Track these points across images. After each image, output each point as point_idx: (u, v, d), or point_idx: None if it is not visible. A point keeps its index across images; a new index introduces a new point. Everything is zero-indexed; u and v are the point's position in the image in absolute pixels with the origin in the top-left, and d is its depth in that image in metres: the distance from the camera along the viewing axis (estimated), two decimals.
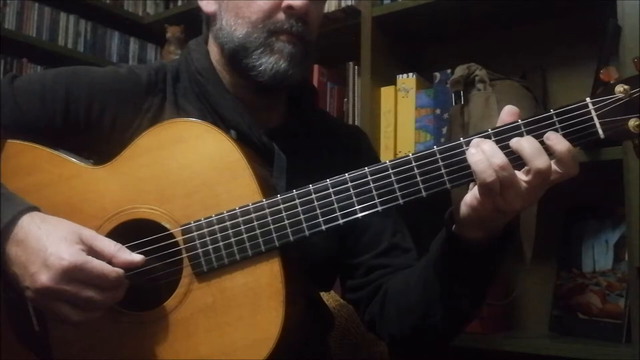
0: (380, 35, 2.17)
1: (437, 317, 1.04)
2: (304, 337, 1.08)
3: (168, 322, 0.97)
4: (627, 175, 1.62)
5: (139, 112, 1.12)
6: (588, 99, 0.89)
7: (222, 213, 0.97)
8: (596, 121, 0.88)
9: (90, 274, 0.89)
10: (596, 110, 0.88)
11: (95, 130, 1.10)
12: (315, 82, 2.24)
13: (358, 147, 1.29)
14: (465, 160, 0.89)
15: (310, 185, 0.95)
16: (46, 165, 1.04)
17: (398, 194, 0.92)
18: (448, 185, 0.91)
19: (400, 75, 2.15)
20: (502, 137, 0.89)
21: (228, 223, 0.97)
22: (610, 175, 1.67)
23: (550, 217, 1.87)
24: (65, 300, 0.90)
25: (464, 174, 0.90)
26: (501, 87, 1.86)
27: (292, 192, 0.96)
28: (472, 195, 0.90)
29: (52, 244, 0.89)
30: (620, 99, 0.87)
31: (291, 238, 0.95)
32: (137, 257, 0.95)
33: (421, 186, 0.91)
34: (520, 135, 0.88)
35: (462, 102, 1.87)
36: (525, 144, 0.86)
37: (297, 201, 0.95)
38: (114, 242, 0.95)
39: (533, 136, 0.88)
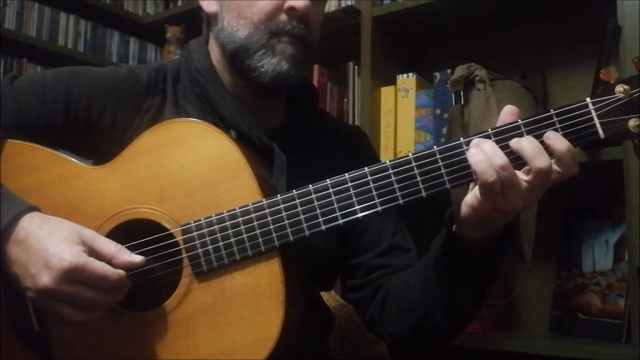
0: (380, 35, 2.17)
1: (438, 317, 1.04)
2: (304, 337, 1.08)
3: (168, 322, 0.97)
4: (627, 175, 1.62)
5: (139, 112, 1.12)
6: (588, 99, 0.89)
7: (222, 213, 0.97)
8: (596, 121, 0.88)
9: (91, 275, 0.89)
10: (596, 110, 0.88)
11: (95, 130, 1.10)
12: (315, 82, 2.24)
13: (358, 147, 1.29)
14: (465, 160, 0.89)
15: (310, 186, 0.95)
16: (46, 165, 1.04)
17: (398, 194, 0.92)
18: (448, 186, 0.91)
19: (400, 75, 2.15)
20: (502, 137, 0.89)
21: (228, 223, 0.97)
22: (610, 175, 1.67)
23: (550, 217, 1.87)
24: (66, 300, 0.89)
25: (464, 174, 0.90)
26: (501, 87, 1.86)
27: (292, 192, 0.96)
28: (472, 195, 0.90)
29: (53, 244, 0.89)
30: (620, 99, 0.87)
31: (291, 238, 0.95)
32: (137, 257, 0.95)
33: (421, 186, 0.91)
34: (520, 135, 0.88)
35: (462, 102, 1.87)
36: (525, 144, 0.86)
37: (297, 201, 0.95)
38: (114, 243, 0.95)
39: (533, 136, 0.88)
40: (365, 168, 0.94)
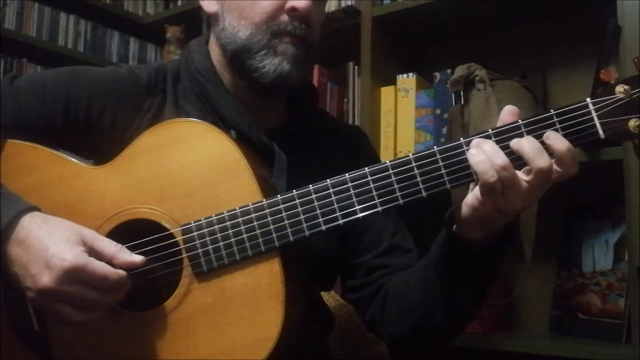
0: (380, 35, 2.17)
1: (438, 317, 1.04)
2: (304, 337, 1.08)
3: (168, 322, 0.97)
4: (627, 175, 1.62)
5: (139, 112, 1.12)
6: (588, 99, 0.89)
7: (222, 213, 0.97)
8: (596, 121, 0.88)
9: (92, 276, 0.89)
10: (596, 110, 0.88)
11: (96, 130, 1.10)
12: (315, 82, 2.24)
13: (358, 147, 1.29)
14: (465, 160, 0.89)
15: (311, 186, 0.95)
16: (46, 165, 1.04)
17: (398, 194, 0.92)
18: (448, 186, 0.91)
19: (400, 75, 2.15)
20: (502, 138, 0.89)
21: (228, 223, 0.97)
22: (610, 175, 1.67)
23: (550, 217, 1.87)
24: (66, 301, 0.89)
25: (464, 174, 0.90)
26: (501, 87, 1.86)
27: (292, 192, 0.96)
28: (473, 195, 0.90)
29: (53, 244, 0.89)
30: (620, 99, 0.87)
31: (291, 238, 0.95)
32: (137, 257, 0.95)
33: (421, 186, 0.91)
34: (521, 135, 0.88)
35: (462, 102, 1.87)
36: (525, 144, 0.86)
37: (297, 201, 0.95)
38: (115, 243, 0.95)
39: (533, 136, 0.88)
40: (366, 168, 0.94)
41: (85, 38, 2.86)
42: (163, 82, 1.16)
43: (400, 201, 0.92)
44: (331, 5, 2.25)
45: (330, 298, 1.51)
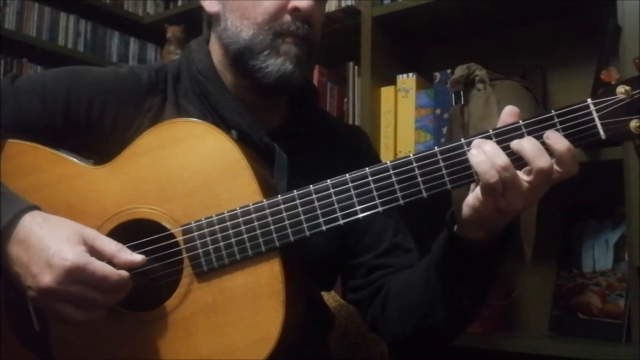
0: (380, 35, 2.17)
1: (439, 317, 1.04)
2: (304, 337, 1.08)
3: (168, 322, 0.97)
4: (627, 175, 1.62)
5: (139, 112, 1.12)
6: (589, 100, 0.89)
7: (223, 213, 0.97)
8: (597, 122, 0.88)
9: (92, 276, 0.89)
10: (597, 111, 0.88)
11: (96, 130, 1.10)
12: (315, 82, 2.24)
13: (358, 147, 1.29)
14: (466, 160, 0.89)
15: (311, 186, 0.95)
16: (47, 165, 1.04)
17: (399, 194, 0.92)
18: (449, 186, 0.91)
19: (400, 75, 2.15)
20: (503, 138, 0.89)
21: (228, 223, 0.97)
22: (610, 175, 1.67)
23: (550, 217, 1.87)
24: (67, 300, 0.89)
25: (465, 175, 0.90)
26: (501, 87, 1.86)
27: (293, 192, 0.96)
28: (474, 196, 0.90)
29: (54, 243, 0.89)
30: (621, 100, 0.87)
31: (291, 238, 0.95)
32: (137, 257, 0.95)
33: (422, 187, 0.91)
34: (521, 136, 0.88)
35: (462, 102, 1.87)
36: (526, 144, 0.86)
37: (297, 201, 0.95)
38: (115, 242, 0.94)
39: (534, 137, 0.88)
40: (366, 168, 0.94)
41: (85, 38, 2.86)
42: (164, 82, 1.16)
43: (401, 201, 0.92)
44: (331, 5, 2.25)
45: (330, 298, 1.51)
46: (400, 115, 2.13)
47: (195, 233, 0.98)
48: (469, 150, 0.89)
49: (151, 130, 1.03)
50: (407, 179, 0.92)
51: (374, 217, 0.95)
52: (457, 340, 1.13)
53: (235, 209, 0.97)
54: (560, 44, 2.07)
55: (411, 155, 0.92)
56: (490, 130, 0.90)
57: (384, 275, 1.17)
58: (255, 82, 1.11)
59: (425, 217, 1.49)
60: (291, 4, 1.09)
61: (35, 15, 2.68)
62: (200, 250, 0.97)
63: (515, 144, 0.88)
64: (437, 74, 2.09)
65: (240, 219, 0.96)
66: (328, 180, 0.95)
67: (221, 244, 0.97)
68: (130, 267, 0.94)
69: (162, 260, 0.99)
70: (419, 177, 0.91)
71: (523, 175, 0.87)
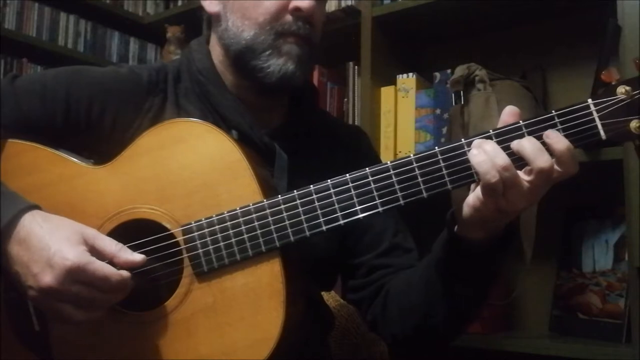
0: (380, 35, 2.17)
1: (439, 317, 1.04)
2: (304, 337, 1.08)
3: (168, 322, 0.97)
4: (627, 175, 1.62)
5: (139, 112, 1.12)
6: (590, 100, 0.88)
7: (223, 213, 0.97)
8: (598, 122, 0.88)
9: (93, 276, 0.89)
10: (598, 111, 0.88)
11: (96, 130, 1.10)
12: (315, 82, 2.24)
13: (358, 147, 1.29)
14: (466, 161, 0.89)
15: (312, 186, 0.95)
16: (47, 165, 1.04)
17: (399, 194, 0.92)
18: (449, 186, 0.91)
19: (400, 75, 2.15)
20: (503, 138, 0.89)
21: (229, 223, 0.97)
22: (610, 175, 1.67)
23: (550, 217, 1.87)
24: (68, 300, 0.89)
25: (465, 175, 0.90)
26: (501, 87, 1.86)
27: (293, 192, 0.96)
28: (474, 196, 0.90)
29: (55, 243, 0.89)
30: (622, 100, 0.87)
31: (292, 238, 0.95)
32: (138, 256, 0.95)
33: (422, 187, 0.91)
34: (522, 136, 0.88)
35: (462, 102, 1.87)
36: (526, 144, 0.86)
37: (298, 201, 0.95)
38: (116, 242, 0.94)
39: (534, 137, 0.87)
40: (367, 168, 0.94)
41: (85, 38, 2.85)
42: (164, 82, 1.16)
43: (401, 202, 0.92)
44: (331, 5, 2.25)
45: (330, 298, 1.51)
46: (400, 115, 2.13)
47: (196, 233, 0.98)
48: (469, 150, 0.89)
49: (151, 130, 1.03)
50: (407, 179, 0.92)
51: (374, 217, 0.95)
52: (457, 340, 1.13)
53: (236, 209, 0.97)
54: (560, 44, 2.08)
55: (411, 155, 0.92)
56: (491, 131, 0.90)
57: (384, 275, 1.17)
58: (256, 82, 1.12)
59: (425, 217, 1.49)
60: (292, 4, 1.09)
61: (35, 15, 2.68)
62: (200, 250, 0.97)
63: (515, 144, 0.87)
64: (437, 74, 2.09)
65: (241, 219, 0.96)
66: (328, 181, 0.95)
67: (221, 244, 0.97)
68: (130, 267, 0.94)
69: (163, 260, 0.99)
70: (419, 177, 0.91)
71: (523, 175, 0.87)
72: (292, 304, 0.95)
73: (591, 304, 1.84)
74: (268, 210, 0.96)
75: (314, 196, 0.95)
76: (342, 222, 0.94)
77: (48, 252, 0.89)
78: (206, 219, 0.97)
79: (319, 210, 0.95)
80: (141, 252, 0.96)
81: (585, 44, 1.97)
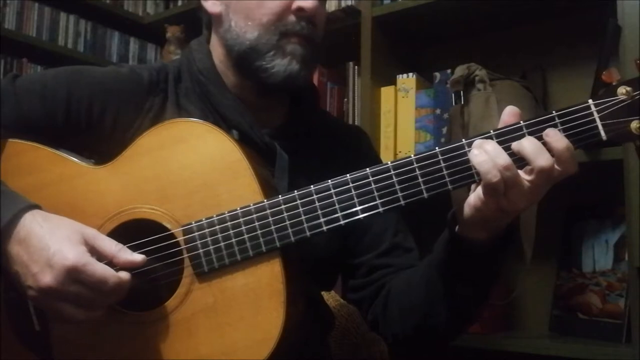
0: (380, 35, 2.17)
1: (440, 317, 1.05)
2: (304, 337, 1.08)
3: (169, 322, 0.97)
4: (627, 175, 1.62)
5: (140, 112, 1.12)
6: (590, 101, 0.88)
7: (224, 213, 0.97)
8: (598, 123, 0.88)
9: (92, 277, 0.89)
10: (598, 112, 0.88)
11: (97, 130, 1.10)
12: (315, 82, 2.23)
13: (358, 147, 1.29)
14: (467, 161, 0.89)
15: (312, 186, 0.95)
16: (47, 164, 1.04)
17: (400, 194, 0.92)
18: (450, 187, 0.91)
19: (400, 75, 2.15)
20: (504, 139, 0.89)
21: (229, 223, 0.97)
22: (610, 175, 1.67)
23: (550, 217, 1.87)
24: (67, 300, 0.89)
25: (466, 175, 0.90)
26: (501, 87, 1.86)
27: (294, 192, 0.96)
28: (475, 195, 0.90)
29: (55, 243, 0.89)
30: (622, 101, 0.87)
31: (292, 238, 0.95)
32: (138, 257, 0.95)
33: (423, 187, 0.91)
34: (522, 136, 0.88)
35: (462, 102, 1.87)
36: (526, 144, 0.87)
37: (298, 202, 0.95)
38: (115, 242, 0.94)
39: (534, 137, 0.88)
40: (367, 169, 0.94)
41: (85, 38, 2.85)
42: (164, 82, 1.16)
43: (402, 202, 0.92)
44: (331, 5, 2.25)
45: (330, 298, 1.51)
46: (400, 115, 2.13)
47: (196, 233, 0.98)
48: (470, 150, 0.89)
49: (152, 130, 1.03)
50: (407, 180, 0.92)
51: (375, 217, 0.95)
52: (457, 340, 1.13)
53: (236, 209, 0.97)
54: (560, 44, 2.08)
55: (412, 155, 0.92)
56: (492, 131, 0.90)
57: (385, 275, 1.17)
58: (260, 83, 1.12)
59: (425, 218, 1.49)
60: (295, 4, 1.09)
61: (35, 15, 2.68)
62: (200, 251, 0.97)
63: (515, 144, 0.88)
64: (437, 74, 2.09)
65: (241, 219, 0.96)
66: (329, 181, 0.95)
67: (222, 244, 0.97)
68: (130, 267, 0.94)
69: (163, 260, 0.99)
70: (419, 177, 0.91)
71: (524, 175, 0.87)
72: (292, 304, 0.95)
73: (591, 304, 1.84)
74: (268, 211, 0.96)
75: (315, 196, 0.95)
76: (342, 222, 0.94)
77: (48, 252, 0.89)
78: (207, 219, 0.97)
79: (319, 210, 0.95)
80: (141, 252, 0.96)
81: (585, 44, 1.97)
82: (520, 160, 0.87)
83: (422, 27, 2.21)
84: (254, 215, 0.96)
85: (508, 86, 1.88)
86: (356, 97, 2.27)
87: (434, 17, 2.13)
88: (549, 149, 0.86)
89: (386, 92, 2.16)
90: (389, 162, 0.93)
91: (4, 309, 1.01)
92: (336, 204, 0.94)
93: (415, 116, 2.10)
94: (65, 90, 1.09)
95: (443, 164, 0.90)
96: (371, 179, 0.93)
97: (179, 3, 2.99)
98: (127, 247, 0.96)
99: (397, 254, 1.18)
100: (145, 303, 0.99)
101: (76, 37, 2.82)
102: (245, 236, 0.96)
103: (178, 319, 0.97)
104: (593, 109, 0.88)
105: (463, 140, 0.90)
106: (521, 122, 0.89)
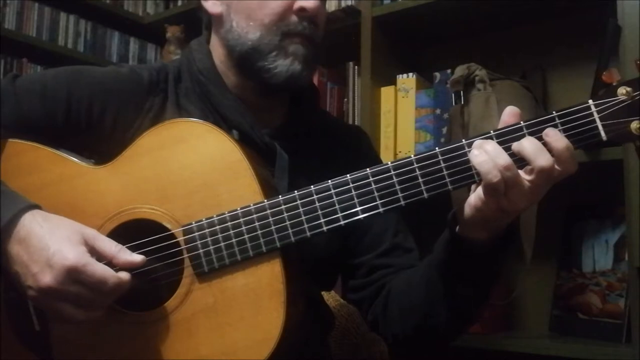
0: (380, 35, 2.17)
1: (440, 318, 1.04)
2: (304, 337, 1.08)
3: (169, 323, 0.97)
4: (627, 175, 1.63)
5: (140, 112, 1.12)
6: (590, 101, 0.88)
7: (224, 213, 0.97)
8: (598, 123, 0.87)
9: (92, 277, 0.89)
10: (598, 112, 0.88)
11: (97, 130, 1.10)
12: (315, 82, 2.23)
13: (358, 147, 1.29)
14: (467, 161, 0.89)
15: (312, 186, 0.95)
16: (47, 164, 1.04)
17: (400, 195, 0.92)
18: (450, 187, 0.91)
19: (400, 75, 2.15)
20: (504, 139, 0.89)
21: (229, 223, 0.97)
22: (610, 175, 1.67)
23: (550, 217, 1.87)
24: (67, 300, 0.89)
25: (466, 176, 0.90)
26: (501, 87, 1.86)
27: (294, 192, 0.96)
28: (476, 196, 0.90)
29: (54, 243, 0.89)
30: (622, 101, 0.87)
31: (292, 239, 0.95)
32: (137, 257, 0.95)
33: (423, 187, 0.91)
34: (523, 137, 0.88)
35: (462, 102, 1.87)
36: (526, 144, 0.87)
37: (298, 202, 0.95)
38: (115, 243, 0.94)
39: (535, 137, 0.88)
40: (367, 169, 0.94)
41: (85, 38, 2.85)
42: (164, 82, 1.16)
43: (402, 202, 0.92)
44: (331, 5, 2.25)
45: (330, 298, 1.51)
46: (400, 115, 2.13)
47: (196, 233, 0.98)
48: (470, 151, 0.89)
49: (152, 130, 1.03)
50: (408, 180, 0.92)
51: (375, 217, 0.95)
52: (457, 340, 1.13)
53: (236, 209, 0.97)
54: (560, 44, 2.08)
55: (412, 155, 0.92)
56: (492, 131, 0.90)
57: (385, 275, 1.17)
58: (262, 83, 1.11)
59: (425, 218, 1.49)
60: (297, 4, 1.09)
61: (35, 15, 2.68)
62: (201, 251, 0.97)
63: (515, 145, 0.88)
64: (437, 74, 2.09)
65: (241, 219, 0.96)
66: (329, 181, 0.95)
67: (222, 244, 0.97)
68: (130, 267, 0.94)
69: (163, 260, 0.99)
70: (419, 177, 0.91)
71: (524, 175, 0.87)
72: (292, 304, 0.95)
73: (591, 304, 1.84)
74: (269, 211, 0.96)
75: (315, 196, 0.95)
76: (342, 222, 0.94)
77: (48, 252, 0.89)
78: (207, 219, 0.97)
79: (319, 210, 0.95)
80: (141, 252, 0.96)
81: (585, 44, 1.97)
82: (520, 161, 0.87)
83: (422, 27, 2.21)
84: (254, 216, 0.96)
85: (508, 86, 1.88)
86: (356, 97, 2.27)
87: (434, 17, 2.13)
88: (549, 149, 0.86)
89: (386, 92, 2.16)
90: (389, 162, 0.93)
91: (4, 309, 1.01)
92: (336, 204, 0.94)
93: (415, 116, 2.10)
94: (65, 90, 1.09)
95: (443, 164, 0.90)
96: (371, 179, 0.93)
97: (179, 3, 2.99)
98: (127, 247, 0.96)
99: (397, 254, 1.18)
100: (146, 303, 0.99)
101: (76, 37, 2.82)
102: (246, 236, 0.96)
103: (178, 319, 0.97)
104: (593, 109, 0.88)
105: (463, 140, 0.90)
106: (521, 122, 0.89)
